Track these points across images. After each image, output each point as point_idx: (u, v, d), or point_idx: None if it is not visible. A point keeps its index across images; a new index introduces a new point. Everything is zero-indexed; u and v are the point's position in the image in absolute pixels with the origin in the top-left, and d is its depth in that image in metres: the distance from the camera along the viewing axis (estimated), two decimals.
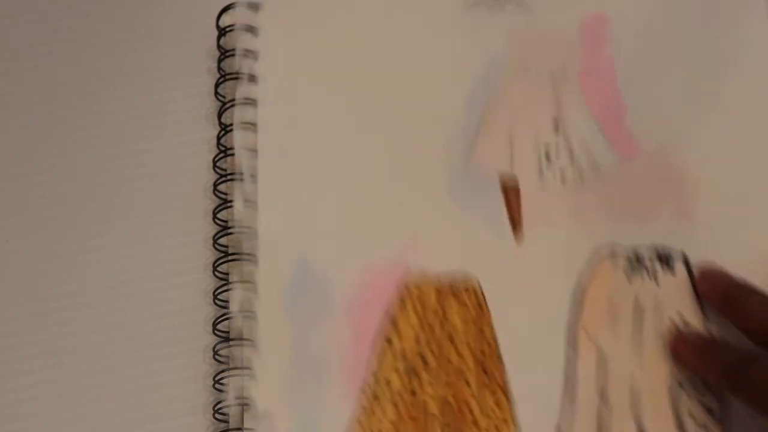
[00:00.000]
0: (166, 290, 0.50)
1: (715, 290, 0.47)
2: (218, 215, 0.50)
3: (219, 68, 0.53)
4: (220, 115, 0.52)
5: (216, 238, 0.49)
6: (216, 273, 0.49)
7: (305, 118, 0.52)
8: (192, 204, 0.51)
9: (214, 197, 0.50)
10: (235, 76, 0.52)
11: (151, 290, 0.50)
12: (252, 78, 0.52)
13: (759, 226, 0.49)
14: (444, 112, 0.52)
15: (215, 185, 0.50)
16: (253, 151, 0.51)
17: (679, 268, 0.48)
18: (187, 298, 0.49)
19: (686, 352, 0.46)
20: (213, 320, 0.48)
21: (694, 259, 0.48)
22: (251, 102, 0.52)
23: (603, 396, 0.46)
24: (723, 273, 0.47)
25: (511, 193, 0.50)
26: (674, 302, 0.48)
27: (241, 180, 0.50)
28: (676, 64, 0.52)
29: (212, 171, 0.51)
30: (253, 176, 0.50)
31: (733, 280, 0.46)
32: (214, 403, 0.47)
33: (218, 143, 0.51)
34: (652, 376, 0.46)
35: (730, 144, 0.50)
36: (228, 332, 0.48)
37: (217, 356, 0.48)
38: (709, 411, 0.46)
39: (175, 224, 0.51)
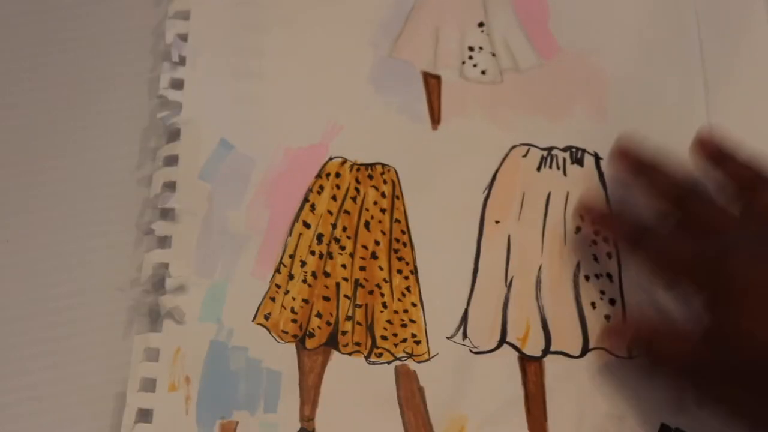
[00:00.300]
0: None
1: (628, 160, 0.47)
2: None
3: None
4: None
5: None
6: None
7: (236, 6, 0.53)
8: None
9: None
10: None
11: None
12: None
13: (666, 128, 0.50)
14: (372, 7, 0.53)
15: None
16: (184, 36, 0.52)
17: (588, 162, 0.50)
18: None
19: (593, 214, 0.48)
20: None
21: (604, 156, 0.50)
22: None
23: (509, 283, 0.48)
24: (638, 146, 0.48)
25: (432, 85, 0.51)
26: (580, 193, 0.49)
27: (171, 62, 0.51)
28: None
29: None
30: (182, 58, 0.52)
31: (646, 152, 0.47)
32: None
33: None
34: (555, 264, 0.48)
35: (645, 47, 0.52)
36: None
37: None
38: (611, 301, 0.47)
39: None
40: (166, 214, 0.49)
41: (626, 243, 0.46)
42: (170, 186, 0.49)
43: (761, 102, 0.51)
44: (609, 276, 0.48)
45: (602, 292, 0.47)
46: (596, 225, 0.48)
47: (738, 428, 0.41)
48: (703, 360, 0.41)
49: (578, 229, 0.49)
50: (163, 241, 0.49)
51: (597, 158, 0.50)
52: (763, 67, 0.52)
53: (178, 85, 0.51)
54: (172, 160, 0.50)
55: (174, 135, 0.50)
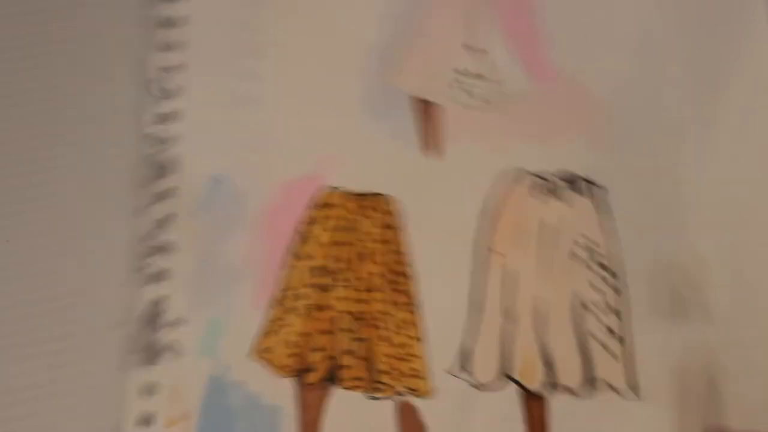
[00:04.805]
0: None
1: None
2: None
3: None
4: None
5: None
6: None
7: (229, 35, 0.52)
8: None
9: None
10: None
11: None
12: None
13: (663, 153, 0.50)
14: (361, 36, 0.53)
15: None
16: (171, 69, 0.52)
17: (583, 188, 0.50)
18: None
19: None
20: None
21: (600, 183, 0.50)
22: (174, 22, 0.52)
23: (508, 315, 0.48)
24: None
25: (423, 111, 0.51)
26: (579, 223, 0.49)
27: (158, 96, 0.51)
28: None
29: None
30: (170, 91, 0.51)
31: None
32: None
33: None
34: (556, 295, 0.48)
35: (643, 74, 0.52)
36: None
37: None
38: (609, 331, 0.48)
39: None
40: (161, 249, 0.48)
41: None
42: (164, 221, 0.49)
43: (760, 109, 0.51)
44: (607, 303, 0.48)
45: (603, 323, 0.48)
46: None
47: None
48: None
49: (573, 255, 0.49)
50: (159, 276, 0.48)
51: (591, 184, 0.50)
52: (762, 72, 0.52)
53: (166, 119, 0.50)
54: (164, 196, 0.49)
55: (165, 170, 0.50)
